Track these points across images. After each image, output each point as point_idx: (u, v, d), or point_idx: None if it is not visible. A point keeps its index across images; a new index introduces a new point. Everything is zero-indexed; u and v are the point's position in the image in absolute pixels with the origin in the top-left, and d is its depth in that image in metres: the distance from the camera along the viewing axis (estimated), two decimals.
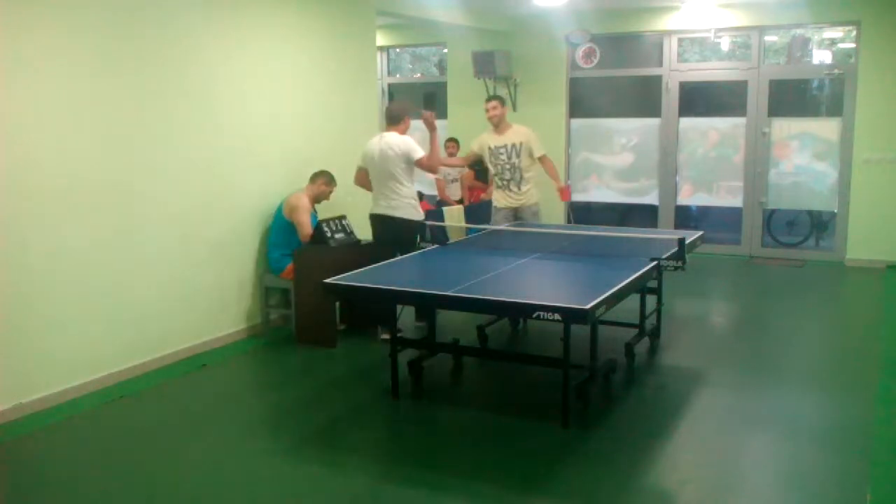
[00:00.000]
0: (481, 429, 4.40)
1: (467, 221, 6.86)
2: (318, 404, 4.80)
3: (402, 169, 5.86)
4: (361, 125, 7.46)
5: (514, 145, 6.49)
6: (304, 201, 6.10)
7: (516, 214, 6.66)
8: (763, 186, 9.24)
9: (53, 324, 4.70)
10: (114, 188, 5.02)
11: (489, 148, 6.56)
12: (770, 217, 9.62)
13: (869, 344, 5.88)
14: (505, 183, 6.60)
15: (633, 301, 5.22)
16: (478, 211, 8.32)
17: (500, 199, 6.70)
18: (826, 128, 9.04)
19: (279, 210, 6.15)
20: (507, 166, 6.53)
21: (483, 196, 9.48)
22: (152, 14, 5.24)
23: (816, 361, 5.72)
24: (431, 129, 6.00)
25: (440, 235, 6.33)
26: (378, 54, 9.87)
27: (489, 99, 6.66)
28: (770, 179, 9.24)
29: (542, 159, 6.59)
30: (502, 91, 10.18)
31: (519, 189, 6.60)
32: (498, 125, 6.55)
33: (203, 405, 4.84)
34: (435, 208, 8.52)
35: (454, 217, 6.87)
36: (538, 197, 6.76)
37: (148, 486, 3.73)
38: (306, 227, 6.02)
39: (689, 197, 9.84)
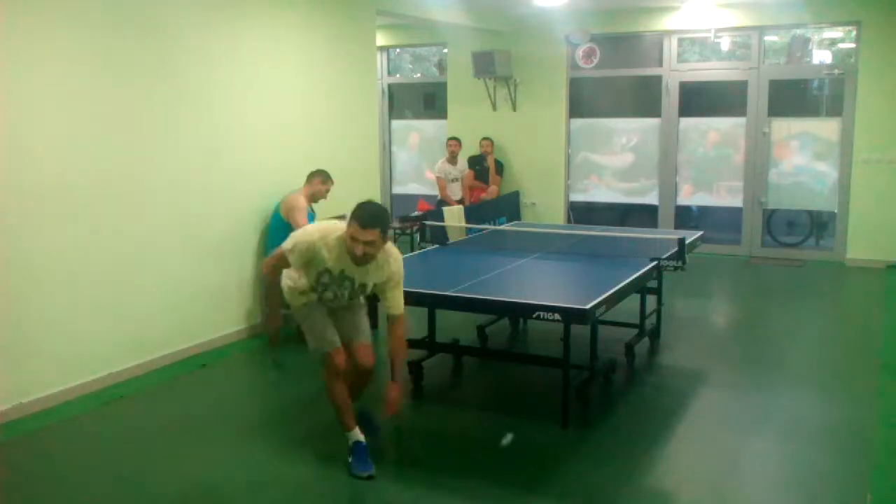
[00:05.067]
0: (481, 429, 4.40)
1: (467, 221, 6.85)
2: (318, 404, 4.78)
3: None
4: (361, 125, 7.46)
5: (364, 285, 3.77)
6: (301, 201, 6.09)
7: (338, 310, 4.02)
8: (763, 186, 9.24)
9: (53, 324, 4.70)
10: (113, 188, 5.02)
11: (328, 270, 3.69)
12: (770, 217, 9.62)
13: (869, 344, 5.88)
14: (333, 309, 3.94)
15: (633, 301, 5.22)
16: (478, 211, 8.31)
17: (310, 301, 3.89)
18: (826, 128, 9.04)
19: (276, 210, 6.14)
20: (344, 300, 3.86)
21: (483, 196, 9.49)
22: (152, 15, 5.23)
23: (816, 361, 5.72)
24: None
25: (440, 235, 6.33)
26: (378, 54, 9.87)
27: (369, 224, 3.50)
28: (770, 179, 9.23)
29: (394, 320, 3.82)
30: (502, 91, 10.21)
31: (347, 308, 3.96)
32: (363, 257, 3.56)
33: (203, 405, 4.83)
34: (435, 208, 8.52)
35: (454, 217, 6.87)
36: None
37: (148, 486, 3.73)
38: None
39: (689, 197, 9.84)
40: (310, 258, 3.64)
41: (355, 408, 4.00)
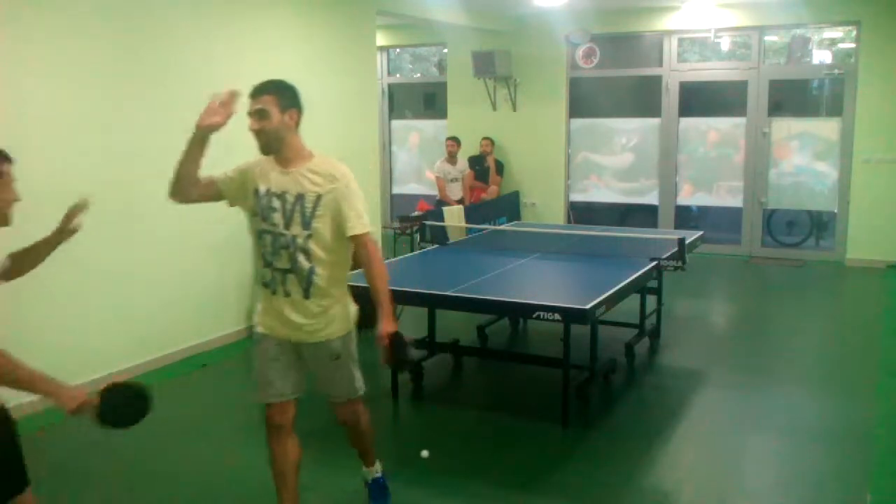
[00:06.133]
0: (481, 429, 4.40)
1: (467, 221, 6.85)
2: (318, 404, 4.78)
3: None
4: (361, 125, 7.46)
5: (301, 196, 2.95)
6: None
7: (299, 353, 3.08)
8: (763, 186, 9.24)
9: (53, 324, 4.70)
10: (114, 189, 5.02)
11: (257, 191, 3.08)
12: (770, 217, 9.62)
13: (869, 344, 5.88)
14: (275, 279, 3.04)
15: (633, 301, 5.22)
16: (478, 211, 8.32)
17: (264, 314, 3.12)
18: (826, 128, 9.04)
19: None
20: (282, 239, 2.98)
21: (484, 196, 9.49)
22: (153, 17, 5.24)
23: (816, 361, 5.72)
24: None
25: (440, 235, 6.33)
26: (378, 54, 9.87)
27: (255, 92, 3.04)
28: (770, 179, 9.23)
29: (358, 242, 2.95)
30: (502, 91, 10.20)
31: (305, 298, 2.97)
32: (279, 149, 3.01)
33: (203, 405, 4.83)
34: (435, 208, 8.52)
35: (454, 217, 6.86)
36: (352, 320, 3.09)
37: (148, 486, 3.73)
38: None
39: (689, 197, 9.84)
40: (242, 183, 3.14)
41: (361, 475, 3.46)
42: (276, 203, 2.97)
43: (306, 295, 2.95)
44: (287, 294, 2.98)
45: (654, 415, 4.57)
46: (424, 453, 3.89)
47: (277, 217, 2.96)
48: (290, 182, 2.96)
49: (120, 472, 3.88)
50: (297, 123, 3.00)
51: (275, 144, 2.97)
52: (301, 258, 2.94)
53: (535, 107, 10.08)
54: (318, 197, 2.92)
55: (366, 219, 2.95)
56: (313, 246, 2.93)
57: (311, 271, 2.94)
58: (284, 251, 2.96)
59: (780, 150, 9.19)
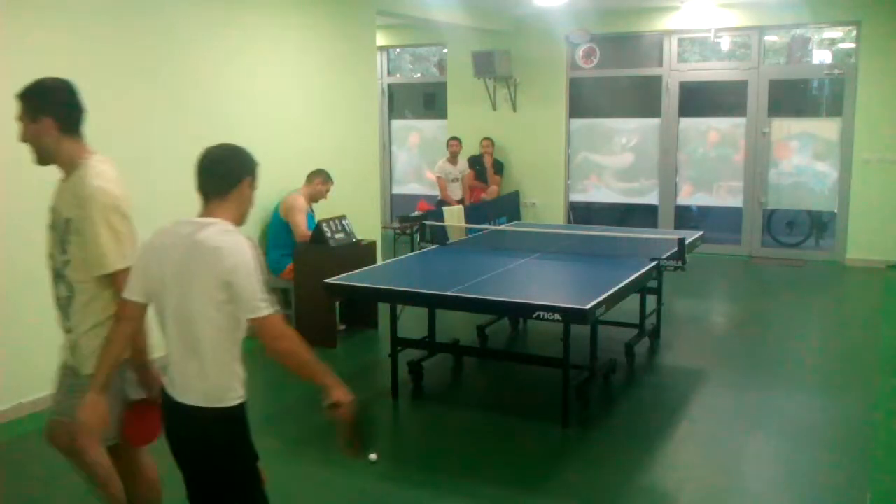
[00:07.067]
0: (481, 429, 4.40)
1: (467, 221, 6.85)
2: (318, 404, 4.77)
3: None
4: (361, 125, 7.46)
5: (59, 214, 2.64)
6: (300, 202, 6.10)
7: (74, 376, 2.80)
8: (763, 186, 9.24)
9: (54, 323, 4.67)
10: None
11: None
12: (770, 217, 9.62)
13: (869, 344, 5.88)
14: (58, 305, 2.74)
15: (633, 301, 5.22)
16: (478, 211, 8.32)
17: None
18: (826, 128, 9.04)
19: (276, 211, 6.15)
20: (51, 262, 2.70)
21: (483, 196, 9.49)
22: (152, 15, 5.24)
23: (816, 361, 5.71)
24: None
25: (440, 235, 6.32)
26: (378, 54, 9.87)
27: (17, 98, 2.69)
28: (770, 179, 9.23)
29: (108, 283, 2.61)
30: (502, 91, 10.19)
31: (68, 320, 2.71)
32: (45, 159, 2.68)
33: None
34: (435, 208, 8.52)
35: (454, 217, 6.87)
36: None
37: None
38: (301, 228, 6.02)
39: (689, 197, 9.84)
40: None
41: None
42: (50, 220, 2.66)
43: (68, 329, 2.70)
44: (63, 328, 2.73)
45: (654, 415, 4.58)
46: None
47: (49, 236, 2.65)
48: (57, 197, 2.63)
49: None
50: (63, 129, 2.60)
51: (40, 155, 2.65)
52: (61, 286, 2.63)
53: (535, 107, 10.08)
54: (68, 221, 2.55)
55: (111, 258, 2.51)
56: (70, 274, 2.59)
57: (69, 302, 2.63)
58: (57, 277, 2.65)
59: (779, 150, 9.19)
